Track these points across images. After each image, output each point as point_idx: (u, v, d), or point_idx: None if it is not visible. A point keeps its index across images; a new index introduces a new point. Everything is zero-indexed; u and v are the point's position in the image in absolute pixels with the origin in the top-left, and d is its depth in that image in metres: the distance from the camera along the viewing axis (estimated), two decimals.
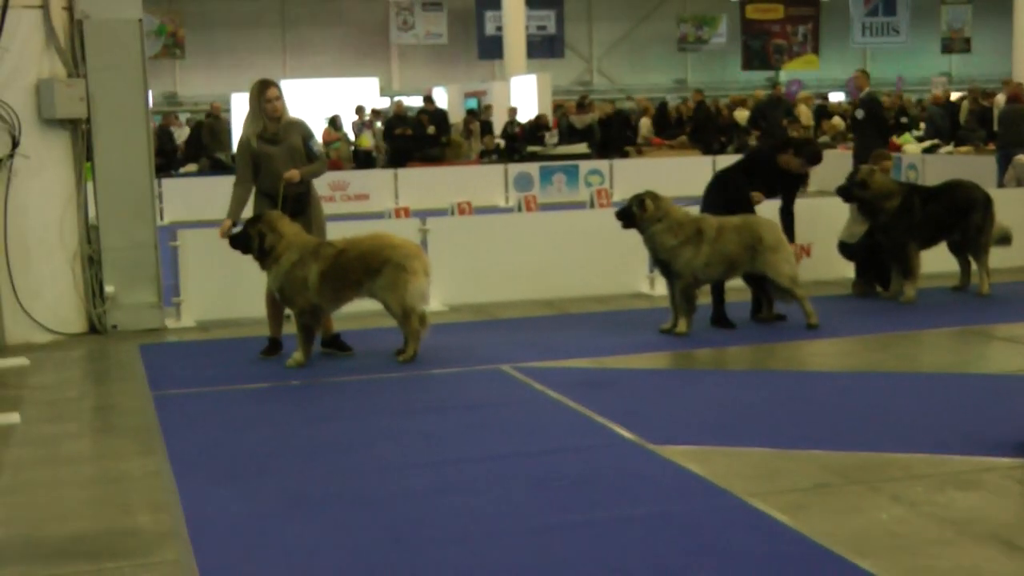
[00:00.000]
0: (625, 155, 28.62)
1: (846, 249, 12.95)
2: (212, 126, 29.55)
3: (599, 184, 24.71)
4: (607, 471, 7.08)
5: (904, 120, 29.56)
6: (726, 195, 11.44)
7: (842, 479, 6.79)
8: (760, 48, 49.78)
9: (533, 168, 26.63)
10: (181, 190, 24.38)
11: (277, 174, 10.24)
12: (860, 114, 19.71)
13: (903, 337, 10.91)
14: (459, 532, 6.13)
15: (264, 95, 10.39)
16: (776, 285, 11.07)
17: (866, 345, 10.70)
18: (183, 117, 34.03)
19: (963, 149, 24.40)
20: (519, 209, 18.42)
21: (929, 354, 10.48)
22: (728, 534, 6.00)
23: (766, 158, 11.80)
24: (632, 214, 10.98)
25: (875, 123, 19.49)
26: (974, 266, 12.80)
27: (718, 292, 11.35)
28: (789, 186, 11.76)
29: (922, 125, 27.73)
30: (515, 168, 26.71)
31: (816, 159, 11.83)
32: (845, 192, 12.51)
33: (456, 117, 32.13)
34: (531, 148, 28.75)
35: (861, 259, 12.85)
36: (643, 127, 30.77)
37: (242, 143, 10.58)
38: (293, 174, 10.21)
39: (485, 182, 25.97)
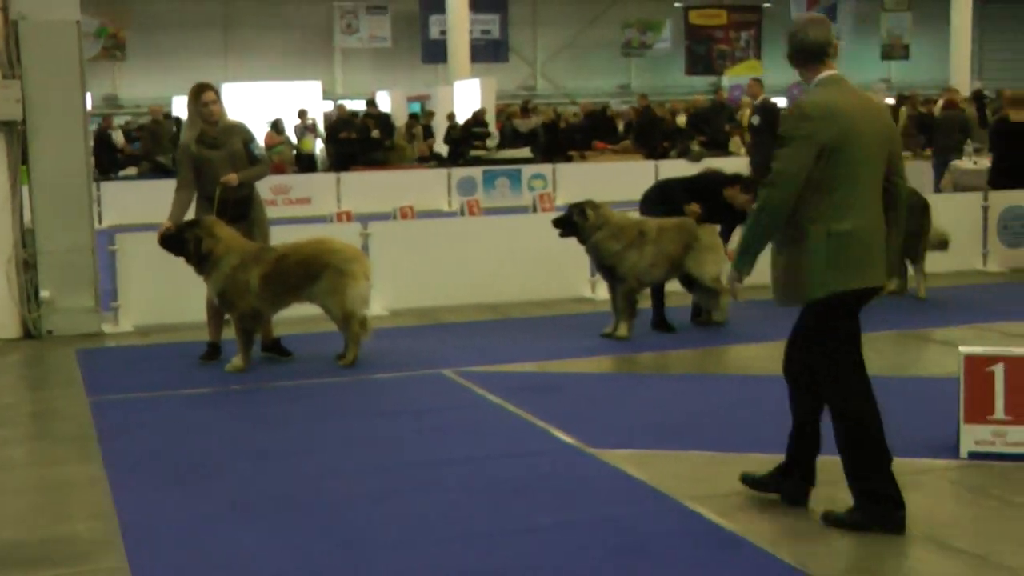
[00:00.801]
0: (569, 159, 28.68)
1: None
2: (153, 129, 29.33)
3: (542, 188, 24.73)
4: (548, 476, 7.09)
5: None
6: (664, 207, 11.48)
7: None
8: (704, 53, 50.06)
9: (476, 172, 26.64)
10: (121, 193, 24.21)
11: (217, 178, 10.19)
12: (756, 120, 19.98)
13: None
14: (401, 537, 6.12)
15: (200, 99, 10.34)
16: (700, 284, 11.14)
17: None
18: (119, 120, 33.63)
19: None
20: (462, 213, 18.41)
21: (867, 358, 10.48)
22: (668, 538, 6.04)
23: (713, 186, 11.78)
24: (573, 223, 11.02)
25: (771, 129, 19.72)
26: (911, 271, 12.91)
27: (658, 296, 11.40)
28: (730, 220, 11.75)
29: None
30: (458, 172, 26.72)
31: (729, 181, 11.81)
32: None
33: (400, 121, 32.08)
34: (474, 152, 28.74)
35: None
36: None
37: (182, 148, 10.53)
38: (231, 178, 10.17)
39: (428, 186, 25.94)
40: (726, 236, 11.71)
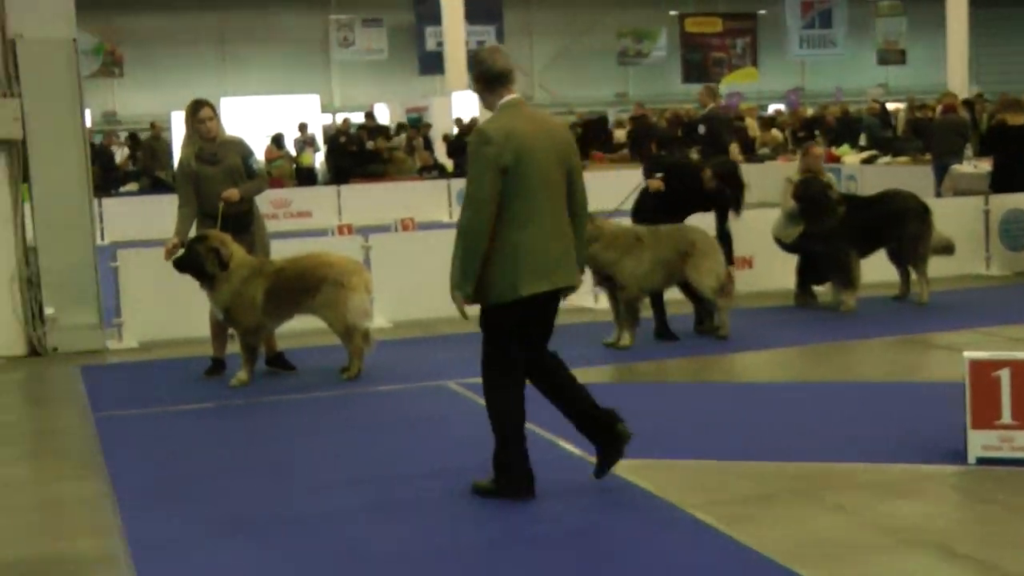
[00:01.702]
0: None
1: (782, 246, 12.93)
2: (152, 145, 29.32)
3: None
4: (551, 484, 7.05)
5: (817, 132, 29.99)
6: (643, 202, 11.66)
7: (784, 490, 6.82)
8: (699, 61, 50.07)
9: None
10: (122, 209, 24.20)
11: (217, 194, 10.17)
12: (701, 129, 20.18)
13: (843, 347, 10.98)
14: (401, 549, 6.12)
15: (197, 116, 10.33)
16: (699, 293, 11.13)
17: (806, 356, 10.76)
18: (123, 136, 33.68)
19: (901, 159, 24.61)
20: None
21: (869, 364, 10.55)
22: (670, 546, 6.02)
23: (687, 170, 11.81)
24: None
25: (713, 138, 19.95)
26: (914, 275, 12.89)
27: (658, 305, 11.38)
28: (715, 205, 11.79)
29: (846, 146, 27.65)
30: (458, 183, 26.62)
31: (724, 175, 11.69)
32: (817, 200, 12.48)
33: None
34: None
35: (802, 268, 12.91)
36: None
37: (181, 164, 10.54)
38: (232, 193, 10.15)
39: (428, 197, 25.90)
40: (721, 230, 11.81)
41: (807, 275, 12.94)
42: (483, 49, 7.10)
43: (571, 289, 7.01)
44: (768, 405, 8.97)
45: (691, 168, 11.98)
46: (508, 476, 6.88)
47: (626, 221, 11.76)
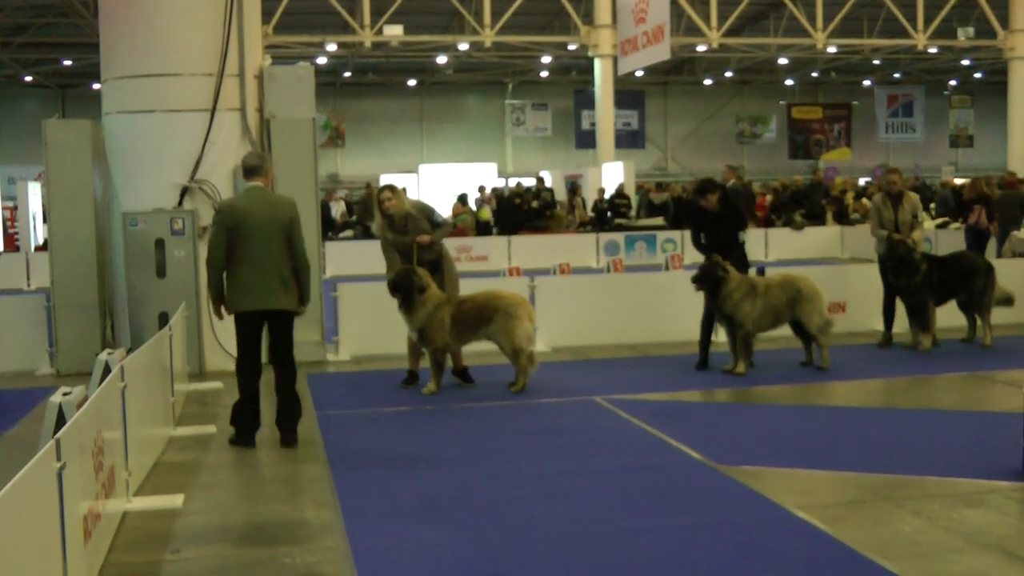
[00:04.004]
0: None
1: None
2: (365, 200, 29.86)
3: (673, 250, 24.51)
4: (679, 485, 7.01)
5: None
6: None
7: (872, 496, 6.66)
8: (803, 142, 49.36)
9: (619, 237, 26.53)
10: (339, 251, 24.70)
11: (410, 245, 10.31)
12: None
13: (921, 380, 10.70)
14: (558, 532, 6.10)
15: (379, 199, 10.46)
16: (806, 331, 11.00)
17: (890, 386, 10.50)
18: (340, 194, 34.29)
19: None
20: (608, 270, 18.34)
21: (942, 394, 10.25)
22: (779, 539, 5.91)
23: (696, 207, 11.52)
24: (718, 278, 10.79)
25: (727, 208, 19.42)
26: (980, 322, 12.52)
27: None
28: (722, 225, 11.30)
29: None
30: (605, 237, 26.66)
31: (700, 191, 11.40)
32: (904, 261, 12.12)
33: (559, 195, 32.16)
34: (618, 221, 28.64)
35: (888, 314, 12.62)
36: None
37: (381, 238, 10.56)
38: (424, 238, 10.27)
39: (581, 247, 25.90)
40: (738, 263, 11.24)
41: (890, 320, 12.65)
42: (248, 152, 8.69)
43: (282, 312, 8.40)
44: (859, 426, 8.77)
45: (697, 204, 11.53)
46: (239, 424, 8.36)
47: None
